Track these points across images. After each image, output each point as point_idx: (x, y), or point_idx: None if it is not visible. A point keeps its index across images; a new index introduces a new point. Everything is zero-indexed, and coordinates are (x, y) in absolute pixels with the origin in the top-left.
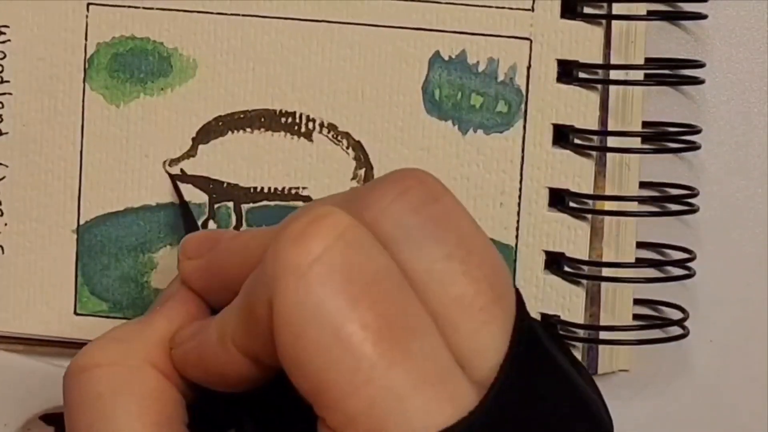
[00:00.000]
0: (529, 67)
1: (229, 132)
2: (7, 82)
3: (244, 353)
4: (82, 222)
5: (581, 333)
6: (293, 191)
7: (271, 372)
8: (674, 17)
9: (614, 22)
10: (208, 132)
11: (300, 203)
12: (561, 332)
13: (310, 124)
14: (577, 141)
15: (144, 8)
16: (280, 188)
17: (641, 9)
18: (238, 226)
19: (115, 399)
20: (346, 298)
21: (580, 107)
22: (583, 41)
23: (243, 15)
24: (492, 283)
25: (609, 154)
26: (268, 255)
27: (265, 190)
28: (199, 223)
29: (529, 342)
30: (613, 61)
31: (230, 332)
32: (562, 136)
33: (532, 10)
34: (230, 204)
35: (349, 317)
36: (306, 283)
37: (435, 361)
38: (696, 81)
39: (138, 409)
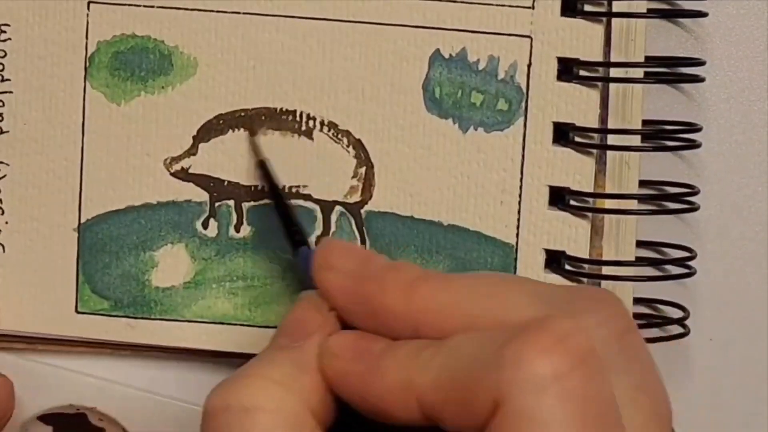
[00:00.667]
0: (529, 65)
1: (230, 130)
2: (8, 80)
3: (423, 409)
4: (83, 220)
5: None
6: (294, 189)
7: (433, 424)
8: (674, 15)
9: (614, 20)
10: (208, 130)
11: (301, 201)
12: None
13: (311, 123)
14: (577, 139)
15: (144, 6)
16: (281, 186)
17: (641, 7)
18: (239, 225)
19: None
20: (577, 425)
21: (580, 105)
22: (583, 39)
23: (243, 13)
24: (666, 420)
25: (609, 152)
26: (508, 356)
27: (266, 189)
28: (200, 221)
29: None
30: (613, 59)
31: (420, 387)
32: (563, 134)
33: (533, 7)
34: (231, 202)
35: None
36: (543, 398)
37: None
38: (696, 79)
39: None
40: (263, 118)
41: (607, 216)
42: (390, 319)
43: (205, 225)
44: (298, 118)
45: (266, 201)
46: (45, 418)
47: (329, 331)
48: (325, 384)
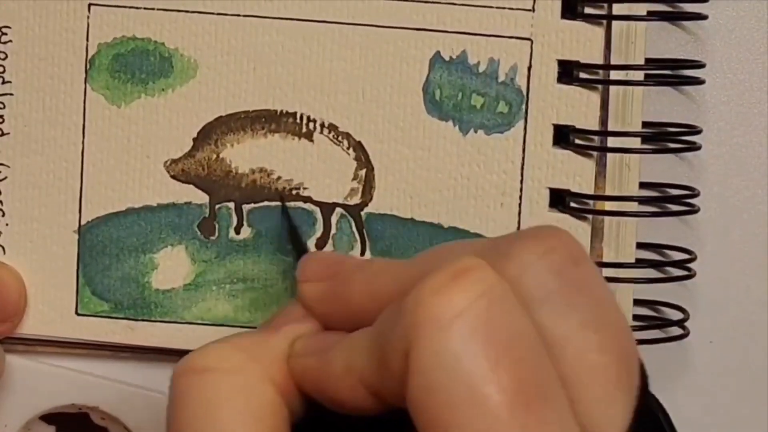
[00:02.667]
0: (529, 68)
1: (230, 132)
2: (9, 82)
3: (369, 391)
4: (83, 222)
5: None
6: (294, 191)
7: (391, 408)
8: (674, 18)
9: (615, 23)
10: (209, 132)
11: (300, 203)
12: None
13: (311, 125)
14: (577, 141)
15: (145, 9)
16: (280, 188)
17: (641, 9)
18: (239, 227)
19: (229, 408)
20: (486, 357)
21: (580, 107)
22: (583, 41)
23: (244, 15)
24: (623, 356)
25: (609, 155)
26: (408, 303)
27: (266, 191)
28: (198, 222)
29: (649, 419)
30: (613, 62)
31: (358, 368)
32: (563, 136)
33: (533, 10)
34: (231, 204)
35: (487, 378)
36: (446, 337)
37: (564, 429)
38: (696, 81)
39: (251, 422)
40: (263, 120)
41: (607, 218)
42: (360, 315)
43: (205, 227)
44: (298, 120)
45: (267, 203)
46: (47, 417)
47: (308, 327)
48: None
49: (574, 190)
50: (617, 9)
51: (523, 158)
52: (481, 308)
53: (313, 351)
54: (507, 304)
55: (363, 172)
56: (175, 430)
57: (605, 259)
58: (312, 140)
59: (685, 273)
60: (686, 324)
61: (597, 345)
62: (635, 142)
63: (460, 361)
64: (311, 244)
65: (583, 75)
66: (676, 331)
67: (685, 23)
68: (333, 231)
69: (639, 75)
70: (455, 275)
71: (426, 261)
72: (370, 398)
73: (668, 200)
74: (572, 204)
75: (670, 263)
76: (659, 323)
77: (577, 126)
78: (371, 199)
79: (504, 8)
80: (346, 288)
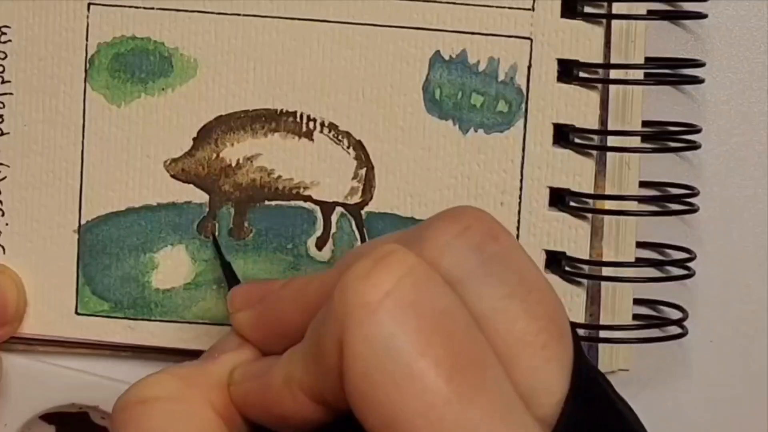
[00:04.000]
0: (529, 67)
1: (230, 132)
2: (8, 82)
3: (311, 397)
4: (83, 222)
5: (581, 332)
6: (294, 191)
7: (336, 415)
8: (674, 17)
9: (614, 22)
10: (209, 132)
11: (301, 203)
12: None
13: (311, 124)
14: (577, 140)
15: (145, 8)
16: (281, 188)
17: (641, 8)
18: (239, 226)
19: None
20: (418, 333)
21: (580, 106)
22: (583, 41)
23: (244, 15)
24: (552, 322)
25: (609, 154)
26: (336, 294)
27: (266, 190)
28: (198, 222)
29: (588, 380)
30: (613, 61)
31: (297, 377)
32: (563, 135)
33: (533, 9)
34: (231, 204)
35: (422, 353)
36: (377, 319)
37: (504, 397)
38: (696, 80)
39: None
40: (263, 119)
41: (607, 217)
42: (295, 333)
43: (205, 226)
44: (298, 120)
45: (267, 202)
46: (47, 417)
47: (245, 354)
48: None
49: (573, 189)
50: (617, 8)
51: (523, 157)
52: (406, 287)
53: (252, 375)
54: (431, 282)
55: (363, 171)
56: None
57: (605, 258)
58: (312, 139)
59: (685, 272)
60: (686, 323)
61: (524, 313)
62: (635, 141)
63: (393, 340)
64: (311, 243)
65: (582, 74)
66: (675, 330)
67: (685, 22)
68: (333, 230)
69: (639, 74)
70: (377, 260)
71: (346, 260)
72: (314, 406)
73: (668, 199)
74: (572, 203)
75: (669, 262)
76: (659, 322)
77: (577, 125)
78: (371, 198)
79: (504, 7)
80: (275, 308)
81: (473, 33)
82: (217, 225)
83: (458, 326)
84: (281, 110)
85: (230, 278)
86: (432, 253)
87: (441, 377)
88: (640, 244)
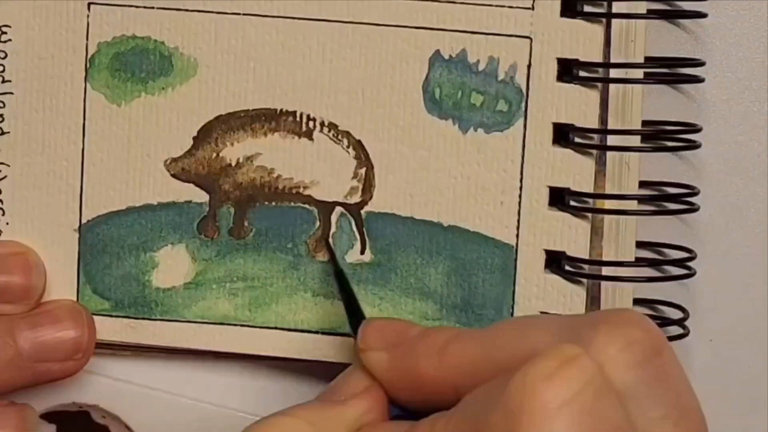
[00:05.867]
0: (529, 66)
1: (230, 131)
2: (9, 81)
3: None
4: (84, 221)
5: None
6: (294, 191)
7: None
8: (674, 16)
9: (614, 21)
10: (209, 131)
11: (301, 202)
12: None
13: (311, 124)
14: (577, 140)
15: (145, 8)
16: (281, 187)
17: (641, 7)
18: (239, 226)
19: None
20: None
21: (580, 106)
22: (583, 40)
23: (244, 14)
24: None
25: (609, 153)
26: (513, 387)
27: (266, 190)
28: (198, 222)
29: None
30: (613, 60)
31: None
32: (563, 134)
33: (533, 8)
34: (231, 203)
35: None
36: (554, 426)
37: None
38: (696, 80)
39: None
40: (263, 119)
41: (607, 216)
42: (428, 385)
43: (205, 226)
44: (298, 119)
45: (267, 202)
46: (48, 416)
47: (373, 399)
48: None
49: (573, 188)
50: (617, 7)
51: (523, 157)
52: (586, 398)
53: None
54: (607, 395)
55: (363, 171)
56: None
57: (605, 258)
58: (312, 139)
59: (685, 272)
60: (686, 323)
61: None
62: (635, 141)
63: None
64: (311, 242)
65: (582, 73)
66: (675, 330)
67: (685, 21)
68: (333, 230)
69: (639, 73)
70: (561, 363)
71: (503, 337)
72: None
73: (668, 199)
74: (572, 202)
75: (669, 262)
76: (659, 322)
77: (577, 124)
78: (371, 197)
79: (504, 6)
80: (411, 356)
81: (473, 32)
82: (217, 224)
83: None
84: (281, 110)
85: (356, 310)
86: (597, 359)
87: None
88: (640, 244)
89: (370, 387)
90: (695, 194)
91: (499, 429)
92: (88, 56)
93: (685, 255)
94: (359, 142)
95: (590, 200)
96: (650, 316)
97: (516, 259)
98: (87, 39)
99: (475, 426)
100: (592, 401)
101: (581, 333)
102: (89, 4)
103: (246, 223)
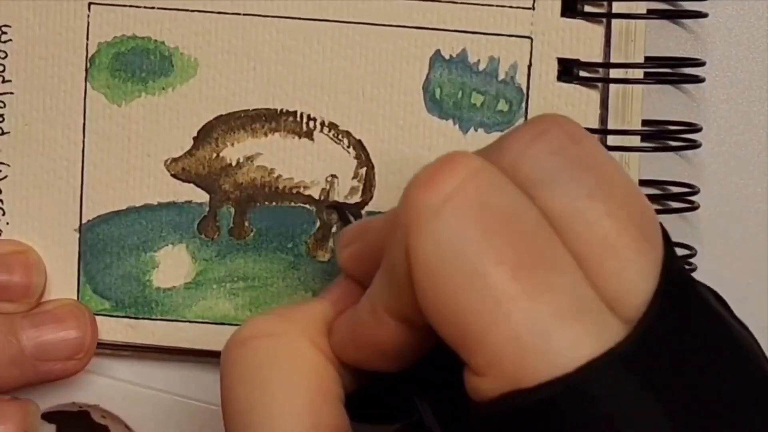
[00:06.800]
0: (529, 66)
1: (231, 131)
2: (9, 81)
3: (394, 317)
4: (84, 221)
5: None
6: (294, 190)
7: (424, 338)
8: (674, 16)
9: (614, 21)
10: (209, 131)
11: (301, 203)
12: None
13: (311, 123)
14: None
15: (145, 7)
16: (281, 187)
17: (641, 7)
18: (239, 226)
19: (272, 369)
20: (481, 232)
21: (580, 106)
22: (583, 40)
23: (244, 14)
24: (636, 222)
25: None
26: (401, 203)
27: (267, 190)
28: (198, 222)
29: (679, 280)
30: (613, 60)
31: (379, 297)
32: None
33: (533, 8)
34: (231, 203)
35: (485, 251)
36: (440, 221)
37: (578, 295)
38: (696, 79)
39: (295, 380)
40: (264, 119)
41: None
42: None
43: (205, 226)
44: (298, 119)
45: (267, 202)
46: (48, 416)
47: (347, 291)
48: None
49: None
50: (617, 7)
51: None
52: (470, 188)
53: (346, 319)
54: (496, 183)
55: (363, 171)
56: (227, 399)
57: None
58: (312, 139)
59: None
60: None
61: (606, 213)
62: (635, 140)
63: (457, 241)
64: (311, 242)
65: (583, 73)
66: None
67: (685, 21)
68: (333, 230)
69: (639, 73)
70: (440, 165)
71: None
72: (400, 327)
73: (668, 198)
74: None
75: None
76: None
77: None
78: (371, 197)
79: (504, 6)
80: (371, 240)
81: (473, 32)
82: (217, 224)
83: (526, 226)
84: (281, 110)
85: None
86: (508, 160)
87: (506, 274)
88: None
89: (340, 281)
90: (695, 193)
91: (398, 245)
92: (89, 56)
93: (685, 252)
94: (359, 141)
95: None
96: None
97: None
98: (87, 39)
99: (387, 254)
100: (476, 191)
101: (496, 144)
102: (89, 4)
103: (246, 223)
